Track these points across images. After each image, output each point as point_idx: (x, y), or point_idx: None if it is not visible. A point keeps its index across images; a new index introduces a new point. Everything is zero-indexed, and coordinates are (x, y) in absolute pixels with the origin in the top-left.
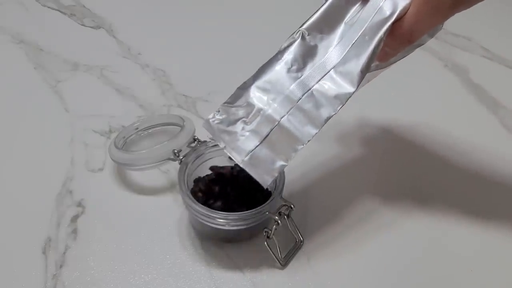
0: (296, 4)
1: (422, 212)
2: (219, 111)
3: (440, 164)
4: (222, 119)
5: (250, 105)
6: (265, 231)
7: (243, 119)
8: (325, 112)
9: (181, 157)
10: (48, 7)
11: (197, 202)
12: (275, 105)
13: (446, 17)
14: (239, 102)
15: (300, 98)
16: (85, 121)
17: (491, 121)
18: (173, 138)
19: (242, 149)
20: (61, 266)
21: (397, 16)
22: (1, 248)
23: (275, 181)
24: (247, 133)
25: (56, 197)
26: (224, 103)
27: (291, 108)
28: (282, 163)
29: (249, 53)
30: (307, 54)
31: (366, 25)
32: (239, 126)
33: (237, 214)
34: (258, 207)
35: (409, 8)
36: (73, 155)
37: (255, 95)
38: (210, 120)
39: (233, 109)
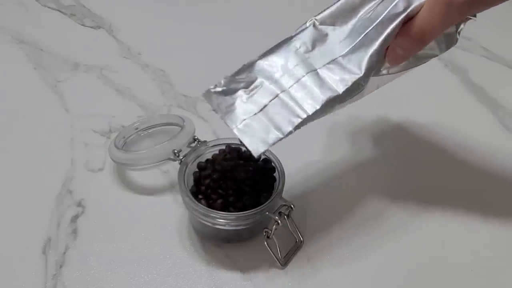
0: (297, 4)
1: (419, 212)
2: (220, 83)
3: (439, 164)
4: (222, 90)
5: (252, 77)
6: (265, 231)
7: (243, 89)
8: (328, 92)
9: (181, 157)
10: (48, 7)
11: (197, 202)
12: (278, 78)
13: (459, 17)
14: (242, 75)
15: (304, 76)
16: (85, 121)
17: (490, 121)
18: (173, 138)
19: (237, 116)
20: (61, 266)
21: (411, 11)
22: (1, 248)
23: (276, 180)
24: (245, 102)
25: (56, 197)
26: (227, 75)
27: (294, 84)
28: (277, 134)
29: (250, 53)
30: (317, 40)
31: (378, 20)
32: (238, 95)
33: (237, 214)
34: (258, 207)
35: (422, 6)
36: (73, 155)
37: (259, 68)
38: (211, 90)
39: (235, 81)
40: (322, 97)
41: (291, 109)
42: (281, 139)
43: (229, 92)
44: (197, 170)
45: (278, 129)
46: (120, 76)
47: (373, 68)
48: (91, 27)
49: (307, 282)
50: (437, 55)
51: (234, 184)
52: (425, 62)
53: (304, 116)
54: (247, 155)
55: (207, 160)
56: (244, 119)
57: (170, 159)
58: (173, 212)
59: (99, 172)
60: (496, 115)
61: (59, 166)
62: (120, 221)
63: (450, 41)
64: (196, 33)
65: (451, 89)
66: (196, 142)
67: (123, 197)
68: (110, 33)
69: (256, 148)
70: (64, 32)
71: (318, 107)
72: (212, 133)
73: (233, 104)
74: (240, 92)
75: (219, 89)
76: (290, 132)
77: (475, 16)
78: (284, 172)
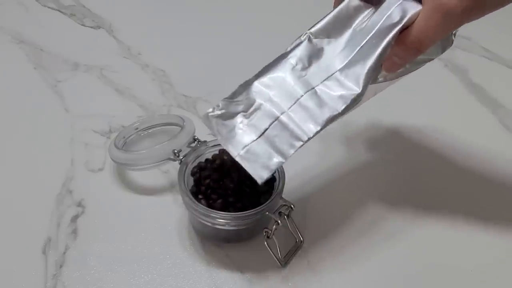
0: (297, 4)
1: (417, 211)
2: (219, 106)
3: (439, 164)
4: (221, 113)
5: (250, 100)
6: (265, 231)
7: (243, 113)
8: (327, 111)
9: (181, 157)
10: (48, 7)
11: (197, 202)
12: (276, 100)
13: (456, 26)
14: (240, 97)
15: (303, 96)
16: (85, 121)
17: (490, 121)
18: (173, 138)
19: (239, 142)
20: (61, 266)
21: (406, 21)
22: (1, 248)
23: (276, 180)
24: (245, 127)
25: (56, 197)
26: (225, 98)
27: (292, 105)
28: (279, 159)
29: (249, 53)
30: (313, 55)
31: (374, 30)
32: (237, 120)
33: (237, 214)
34: (258, 207)
35: (418, 15)
36: (73, 155)
37: (257, 90)
38: (209, 114)
39: (233, 103)
40: (322, 117)
41: (291, 132)
42: (283, 163)
43: (228, 116)
44: (197, 170)
45: (280, 153)
46: (120, 76)
47: (370, 80)
48: (91, 27)
49: (307, 282)
50: (433, 59)
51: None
52: (421, 66)
53: (306, 138)
54: None
55: (207, 160)
56: (246, 145)
57: (170, 159)
58: (173, 212)
59: (99, 172)
60: (496, 115)
61: (59, 166)
62: (120, 221)
63: (445, 43)
64: (196, 33)
65: (451, 89)
66: (196, 142)
67: (123, 197)
68: (110, 33)
69: (259, 174)
70: (64, 32)
71: (319, 128)
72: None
73: (233, 129)
74: (240, 116)
75: (218, 112)
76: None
77: None
78: (284, 172)
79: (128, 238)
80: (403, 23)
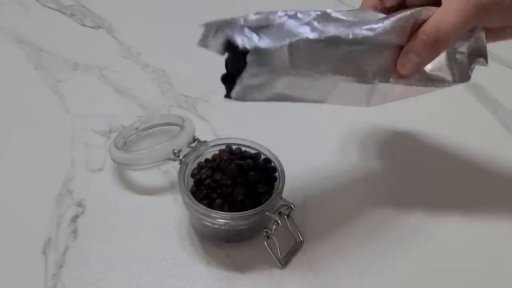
0: (298, 6)
1: (418, 210)
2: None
3: (439, 165)
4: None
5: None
6: (265, 231)
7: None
8: (333, 30)
9: (181, 157)
10: (48, 7)
11: (197, 202)
12: (285, 17)
13: (467, 24)
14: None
15: (315, 18)
16: (85, 121)
17: (490, 121)
18: (173, 138)
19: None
20: (61, 266)
21: (423, 16)
22: (1, 248)
23: (276, 180)
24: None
25: (56, 197)
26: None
27: (300, 19)
28: (282, 43)
29: None
30: (329, 19)
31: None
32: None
33: (237, 214)
34: (258, 207)
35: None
36: (73, 155)
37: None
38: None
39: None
40: (326, 33)
41: (288, 31)
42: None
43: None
44: (197, 170)
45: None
46: (120, 76)
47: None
48: (91, 27)
49: (307, 282)
50: (449, 81)
51: (234, 184)
52: (435, 87)
53: (294, 40)
54: (248, 155)
55: (207, 160)
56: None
57: (170, 159)
58: (173, 212)
59: (99, 172)
60: (496, 115)
61: (59, 166)
62: (120, 221)
63: (463, 73)
64: (196, 33)
65: (451, 89)
66: (196, 142)
67: (123, 197)
68: (110, 33)
69: (234, 37)
70: (64, 32)
71: (316, 34)
72: (212, 133)
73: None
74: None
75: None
76: (290, 47)
77: (486, 61)
78: (284, 172)
79: (128, 238)
80: (418, 16)
